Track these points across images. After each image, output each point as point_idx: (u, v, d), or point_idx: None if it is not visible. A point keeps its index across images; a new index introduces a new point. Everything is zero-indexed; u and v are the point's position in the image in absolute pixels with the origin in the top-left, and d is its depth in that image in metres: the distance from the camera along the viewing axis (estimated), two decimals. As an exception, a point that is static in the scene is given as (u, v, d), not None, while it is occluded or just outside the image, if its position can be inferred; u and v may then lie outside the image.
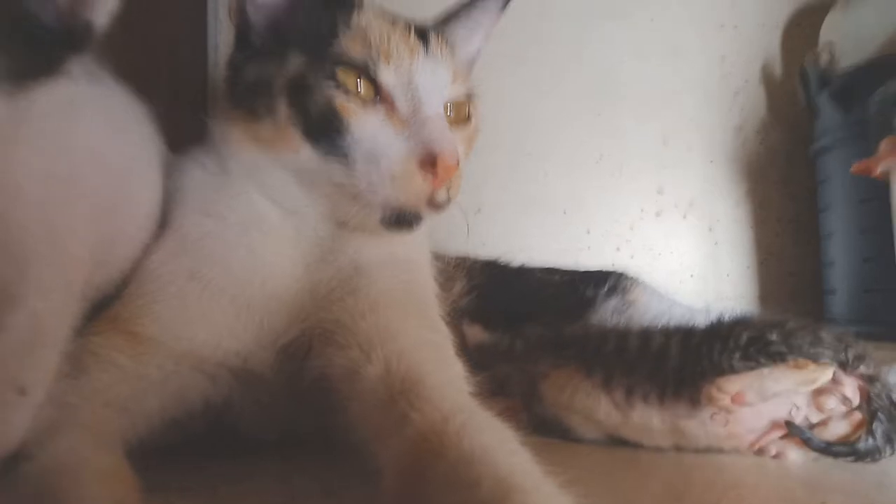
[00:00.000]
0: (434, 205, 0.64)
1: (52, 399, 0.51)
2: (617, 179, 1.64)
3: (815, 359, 0.69)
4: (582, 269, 1.31)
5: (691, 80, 1.67)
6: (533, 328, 0.93)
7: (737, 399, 0.68)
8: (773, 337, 0.71)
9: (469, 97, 0.73)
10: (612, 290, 1.18)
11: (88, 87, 0.61)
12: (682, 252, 1.67)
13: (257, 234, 0.67)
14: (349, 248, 0.69)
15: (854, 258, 1.44)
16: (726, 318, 0.83)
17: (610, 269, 1.29)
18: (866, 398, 0.69)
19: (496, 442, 0.46)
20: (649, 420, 0.75)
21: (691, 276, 1.67)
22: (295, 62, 0.64)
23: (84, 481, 0.42)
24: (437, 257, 1.11)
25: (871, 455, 0.68)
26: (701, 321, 0.87)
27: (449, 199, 0.66)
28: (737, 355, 0.72)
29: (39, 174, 0.51)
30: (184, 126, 0.75)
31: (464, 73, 0.73)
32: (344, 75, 0.64)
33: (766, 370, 0.69)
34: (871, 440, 0.68)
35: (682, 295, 1.63)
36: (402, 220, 0.65)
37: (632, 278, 1.25)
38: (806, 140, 1.60)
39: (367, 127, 0.63)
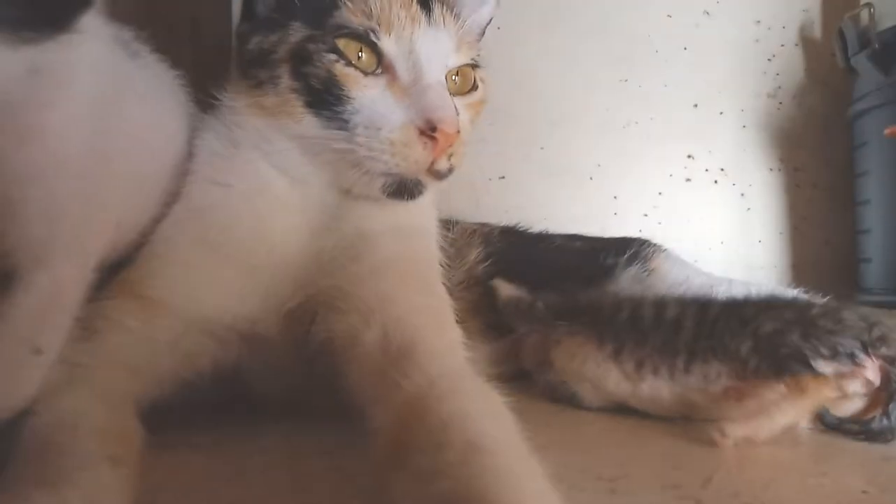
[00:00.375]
0: (435, 173, 0.65)
1: (63, 360, 0.53)
2: (645, 145, 1.61)
3: (833, 351, 0.68)
4: (606, 236, 1.31)
5: (724, 45, 1.62)
6: (550, 294, 0.94)
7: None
8: (793, 339, 0.69)
9: (475, 65, 0.73)
10: (633, 258, 1.18)
11: (130, 62, 0.64)
12: (713, 219, 1.64)
13: (264, 201, 0.69)
14: (354, 215, 0.70)
15: (890, 226, 1.39)
16: (751, 293, 0.82)
17: (637, 235, 1.29)
18: (886, 379, 0.68)
19: (476, 406, 0.47)
20: (659, 392, 0.75)
21: (721, 243, 1.64)
22: (297, 32, 0.65)
23: (81, 435, 0.45)
24: (453, 224, 1.12)
25: (884, 436, 0.67)
26: (723, 292, 0.87)
27: (451, 168, 0.67)
28: (748, 344, 0.71)
29: (83, 145, 0.54)
30: (207, 104, 0.76)
31: (469, 42, 0.73)
32: (345, 45, 0.64)
33: (770, 414, 0.66)
34: (885, 421, 0.67)
35: (711, 263, 1.62)
36: (403, 188, 0.66)
37: (654, 246, 1.23)
38: (844, 104, 1.54)
39: (367, 95, 0.63)
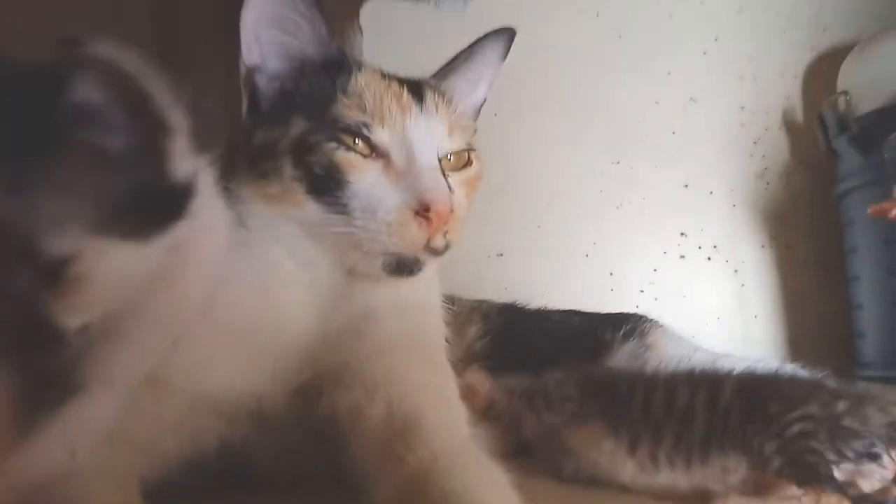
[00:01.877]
0: (432, 250, 0.68)
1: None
2: (639, 223, 1.66)
3: (857, 454, 0.69)
4: (603, 313, 1.33)
5: (711, 129, 1.69)
6: (551, 373, 0.91)
7: None
8: (820, 445, 0.69)
9: (469, 148, 0.77)
10: (630, 334, 1.19)
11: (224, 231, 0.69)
12: (708, 294, 1.67)
13: (272, 280, 0.71)
14: (360, 294, 0.73)
15: (882, 301, 1.42)
16: (758, 375, 0.82)
17: (633, 311, 1.31)
18: None
19: (479, 482, 0.49)
20: (675, 483, 0.75)
21: (717, 318, 1.66)
22: (298, 126, 0.70)
23: None
24: (454, 301, 1.14)
25: None
26: (725, 368, 0.86)
27: (447, 244, 0.69)
28: (773, 444, 0.71)
29: (191, 309, 0.61)
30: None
31: (463, 126, 0.77)
32: (343, 136, 0.68)
33: None
34: None
35: (708, 338, 1.63)
36: (402, 266, 0.68)
37: (651, 321, 1.25)
38: (829, 183, 1.60)
39: (364, 180, 0.67)
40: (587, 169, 1.67)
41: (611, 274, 1.66)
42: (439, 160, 0.70)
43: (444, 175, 0.70)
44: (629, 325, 1.21)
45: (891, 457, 0.69)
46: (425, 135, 0.70)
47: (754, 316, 1.67)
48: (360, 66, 0.74)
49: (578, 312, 1.30)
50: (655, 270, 1.66)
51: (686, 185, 1.68)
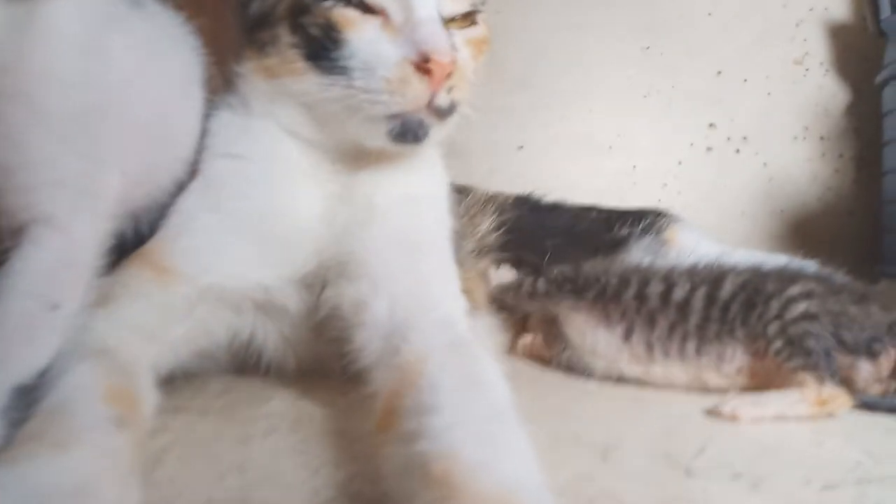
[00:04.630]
0: (436, 110, 0.64)
1: (81, 327, 0.56)
2: (665, 114, 1.59)
3: (856, 344, 0.69)
4: (622, 208, 1.30)
5: (748, 10, 1.57)
6: (556, 266, 0.92)
7: None
8: (822, 329, 0.69)
9: (475, 10, 0.73)
10: (647, 229, 1.17)
11: (128, 10, 0.64)
12: (734, 189, 1.61)
13: (277, 169, 0.71)
14: (366, 184, 0.72)
15: (915, 196, 1.36)
16: (765, 270, 0.79)
17: (654, 206, 1.28)
18: None
19: (469, 375, 0.49)
20: (671, 372, 0.76)
21: (742, 213, 1.62)
22: None
23: (90, 398, 0.47)
24: (466, 192, 1.12)
25: (892, 410, 0.67)
26: (730, 264, 0.85)
27: (453, 103, 0.66)
28: (775, 325, 0.70)
29: (73, 102, 0.55)
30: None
31: None
32: None
33: (781, 403, 0.66)
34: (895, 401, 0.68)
35: (732, 233, 1.60)
36: (407, 129, 0.65)
37: (670, 216, 1.22)
38: (875, 71, 1.49)
39: (362, 37, 0.64)
40: (613, 56, 1.59)
41: (634, 167, 1.61)
42: (441, 16, 0.66)
43: (446, 29, 0.66)
44: (646, 221, 1.19)
45: (888, 355, 0.68)
46: None
47: (781, 211, 1.61)
48: None
49: (596, 207, 1.27)
50: (680, 163, 1.60)
51: (719, 72, 1.59)
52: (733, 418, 0.65)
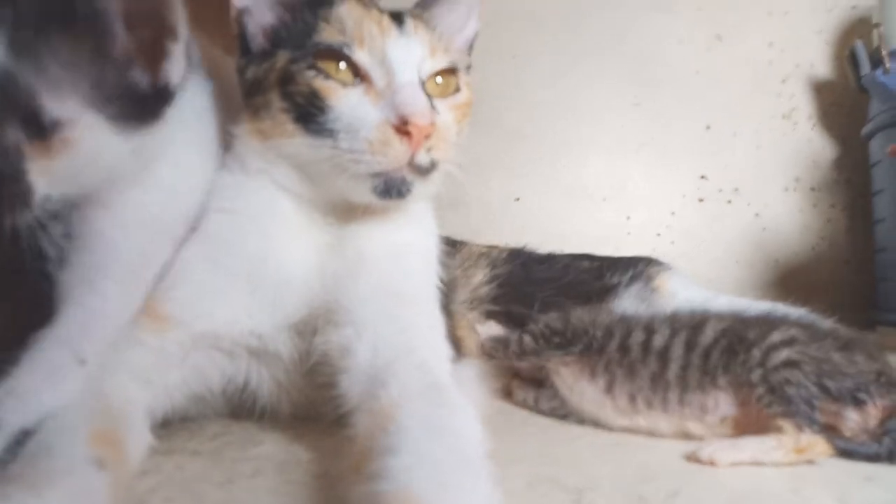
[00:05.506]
0: (416, 168, 0.68)
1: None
2: (658, 166, 1.64)
3: (839, 393, 0.69)
4: (615, 257, 1.32)
5: (737, 66, 1.64)
6: (544, 316, 0.92)
7: None
8: (805, 378, 0.69)
9: (455, 69, 0.77)
10: (636, 277, 1.19)
11: (185, 134, 0.72)
12: (727, 238, 1.64)
13: (271, 221, 0.74)
14: (356, 236, 0.75)
15: (906, 245, 1.38)
16: (747, 316, 0.80)
17: (646, 255, 1.30)
18: (888, 416, 0.68)
19: (441, 420, 0.51)
20: (656, 423, 0.76)
21: (736, 262, 1.64)
22: (282, 58, 0.71)
23: (73, 439, 0.49)
24: (461, 246, 1.16)
25: (870, 458, 0.67)
26: (712, 311, 0.86)
27: (433, 162, 0.69)
28: (758, 372, 0.70)
29: (147, 217, 0.67)
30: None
31: (446, 48, 0.76)
32: (324, 63, 0.69)
33: (758, 448, 0.67)
34: (875, 445, 0.68)
35: (727, 283, 1.63)
36: (391, 186, 0.69)
37: (661, 265, 1.24)
38: (861, 123, 1.54)
39: (346, 103, 0.68)
40: (606, 110, 1.64)
41: (628, 218, 1.64)
42: (422, 80, 0.71)
43: (427, 95, 0.70)
44: (637, 269, 1.21)
45: (875, 405, 0.69)
46: (404, 53, 0.70)
47: (775, 261, 1.64)
48: None
49: (590, 256, 1.29)
50: (673, 214, 1.64)
51: (708, 127, 1.64)
52: (711, 463, 0.66)
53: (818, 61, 1.64)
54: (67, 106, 0.54)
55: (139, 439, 0.61)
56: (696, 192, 1.64)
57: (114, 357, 0.65)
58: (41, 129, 0.53)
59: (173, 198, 0.70)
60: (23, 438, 0.52)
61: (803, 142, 1.64)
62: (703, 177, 1.64)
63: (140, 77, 0.61)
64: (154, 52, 0.61)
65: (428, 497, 0.40)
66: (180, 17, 0.60)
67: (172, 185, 0.70)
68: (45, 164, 0.54)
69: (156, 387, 0.68)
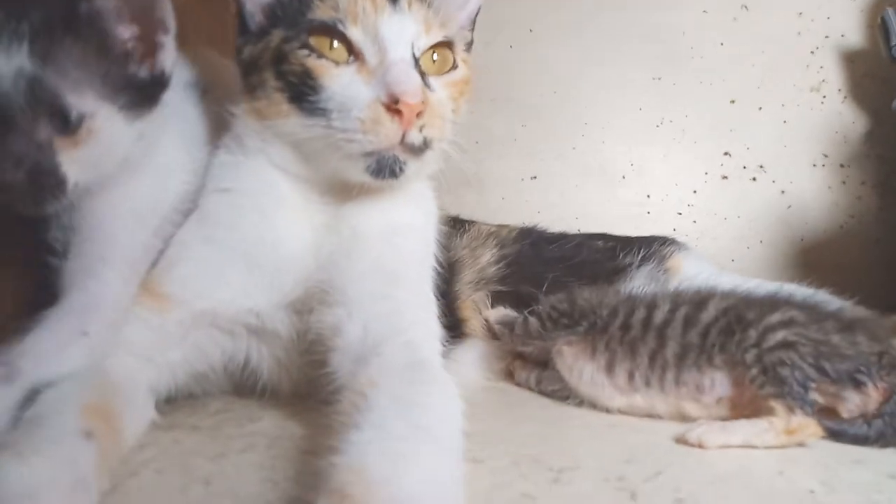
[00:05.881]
0: (408, 147, 0.68)
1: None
2: (679, 143, 1.60)
3: (838, 375, 0.68)
4: (630, 236, 1.31)
5: (763, 39, 1.58)
6: (548, 299, 0.92)
7: None
8: (801, 360, 0.68)
9: (450, 43, 0.76)
10: (649, 257, 1.18)
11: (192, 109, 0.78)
12: (751, 217, 1.60)
13: (268, 201, 0.75)
14: (351, 216, 0.76)
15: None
16: (751, 297, 0.79)
17: (664, 235, 1.28)
18: (886, 398, 0.67)
19: (416, 396, 0.52)
20: (653, 403, 0.76)
21: (760, 241, 1.60)
22: (276, 37, 0.72)
23: (64, 410, 0.51)
24: (469, 226, 1.16)
25: (858, 440, 0.67)
26: (718, 289, 0.85)
27: (426, 140, 0.69)
28: (753, 353, 0.70)
29: (141, 206, 0.72)
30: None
31: (442, 23, 0.76)
32: (316, 41, 0.70)
33: (748, 431, 0.67)
34: (865, 427, 0.67)
35: (750, 262, 1.60)
36: (383, 165, 0.69)
37: (675, 244, 1.22)
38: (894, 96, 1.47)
39: (339, 82, 0.68)
40: (626, 86, 1.61)
41: (648, 196, 1.62)
42: (415, 57, 0.70)
43: (421, 72, 0.70)
44: (651, 248, 1.19)
45: (876, 387, 0.67)
46: (397, 30, 0.70)
47: (801, 239, 1.59)
48: None
49: (604, 235, 1.28)
50: (695, 192, 1.61)
51: (732, 101, 1.60)
52: (700, 445, 0.66)
53: (850, 30, 1.57)
54: (87, 100, 0.62)
55: (138, 414, 0.64)
56: (720, 169, 1.60)
57: (116, 336, 0.68)
58: (68, 124, 0.61)
59: (165, 184, 0.74)
60: (32, 396, 0.56)
61: (833, 115, 1.58)
62: (726, 153, 1.60)
63: (139, 68, 0.68)
64: (149, 44, 0.67)
65: (381, 471, 0.41)
66: (168, 12, 0.66)
67: (165, 172, 0.74)
68: (72, 155, 0.62)
69: (158, 365, 0.71)
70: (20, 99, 0.58)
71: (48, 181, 0.61)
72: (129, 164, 0.69)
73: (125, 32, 0.66)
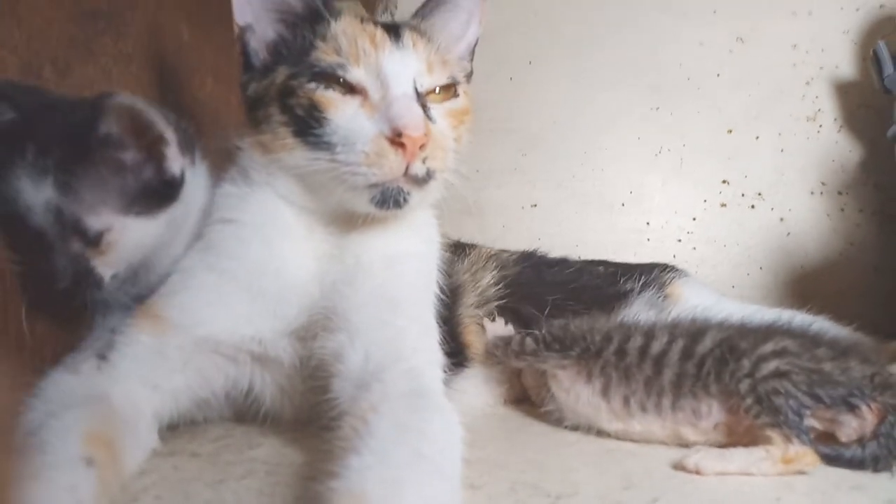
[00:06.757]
0: (412, 178, 0.70)
1: (77, 372, 0.63)
2: (678, 172, 1.62)
3: (833, 401, 0.68)
4: (631, 263, 1.31)
5: (759, 70, 1.61)
6: (551, 321, 0.92)
7: None
8: (794, 389, 0.68)
9: (454, 85, 0.78)
10: (649, 284, 1.18)
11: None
12: (750, 244, 1.61)
13: (273, 231, 0.77)
14: (355, 245, 0.77)
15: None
16: (748, 327, 0.80)
17: (663, 262, 1.29)
18: (880, 420, 0.68)
19: (414, 423, 0.53)
20: (650, 428, 0.76)
21: (760, 268, 1.61)
22: (282, 73, 0.74)
23: (65, 437, 0.52)
24: (470, 249, 1.17)
25: (854, 464, 0.67)
26: (716, 319, 0.86)
27: (429, 172, 0.71)
28: (747, 383, 0.70)
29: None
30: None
31: (446, 61, 0.79)
32: (320, 79, 0.72)
33: (746, 459, 0.67)
34: (859, 451, 0.67)
35: (750, 289, 1.60)
36: (388, 196, 0.71)
37: (675, 271, 1.23)
38: (889, 124, 1.49)
39: (343, 115, 0.70)
40: (624, 115, 1.63)
41: (647, 224, 1.63)
42: (417, 91, 0.72)
43: (422, 104, 0.72)
44: (651, 275, 1.20)
45: (870, 408, 0.68)
46: (400, 66, 0.72)
47: (800, 266, 1.60)
48: (338, 14, 0.77)
49: (605, 262, 1.29)
50: (695, 219, 1.62)
51: (730, 131, 1.62)
52: (697, 472, 0.66)
53: (844, 62, 1.60)
54: (102, 217, 0.71)
55: (140, 442, 0.65)
56: (718, 196, 1.61)
57: (116, 361, 0.69)
58: (90, 240, 0.71)
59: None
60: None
61: (829, 144, 1.60)
62: (725, 181, 1.62)
63: (151, 176, 0.74)
64: (154, 155, 0.74)
65: (379, 497, 0.42)
66: (165, 127, 0.73)
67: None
68: (102, 259, 0.72)
69: (161, 391, 0.71)
70: (52, 226, 0.69)
71: (87, 281, 0.72)
72: (167, 243, 0.77)
73: (130, 151, 0.72)
